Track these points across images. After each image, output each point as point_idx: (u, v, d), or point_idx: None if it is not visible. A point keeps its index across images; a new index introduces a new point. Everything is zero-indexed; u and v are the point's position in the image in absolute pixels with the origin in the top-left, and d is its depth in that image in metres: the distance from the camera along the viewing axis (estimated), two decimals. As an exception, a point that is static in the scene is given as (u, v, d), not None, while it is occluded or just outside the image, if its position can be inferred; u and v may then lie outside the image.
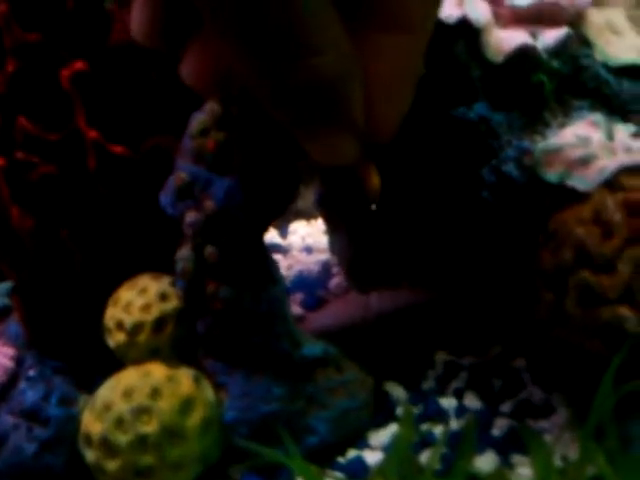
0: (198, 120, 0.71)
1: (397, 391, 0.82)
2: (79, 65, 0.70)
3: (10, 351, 0.73)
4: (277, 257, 1.36)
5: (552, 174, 0.75)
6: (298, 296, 1.13)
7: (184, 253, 0.70)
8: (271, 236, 1.47)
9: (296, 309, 1.10)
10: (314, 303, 1.10)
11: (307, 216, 1.52)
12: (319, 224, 1.42)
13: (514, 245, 0.78)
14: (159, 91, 0.76)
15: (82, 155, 0.72)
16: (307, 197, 1.36)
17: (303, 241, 1.41)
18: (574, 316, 0.65)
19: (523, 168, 0.76)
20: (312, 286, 1.16)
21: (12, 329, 0.75)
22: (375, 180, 0.54)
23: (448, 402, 0.79)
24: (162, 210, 0.72)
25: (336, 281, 1.18)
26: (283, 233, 1.47)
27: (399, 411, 0.77)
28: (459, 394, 0.80)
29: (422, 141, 0.80)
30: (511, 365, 0.83)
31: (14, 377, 0.73)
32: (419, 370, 0.86)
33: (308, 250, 1.38)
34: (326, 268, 1.22)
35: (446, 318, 0.91)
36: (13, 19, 0.69)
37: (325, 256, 1.27)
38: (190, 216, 0.69)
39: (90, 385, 0.75)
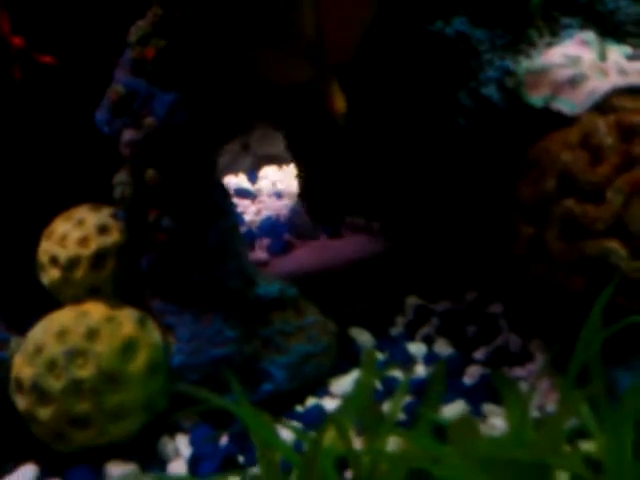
0: (138, 26, 0.62)
1: (363, 337, 0.75)
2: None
3: None
4: (246, 202, 1.29)
5: (537, 97, 0.67)
6: (265, 241, 1.06)
7: (122, 177, 0.63)
8: (240, 181, 1.40)
9: (261, 254, 1.03)
10: (280, 248, 1.03)
11: (279, 162, 1.45)
12: (291, 169, 1.35)
13: (492, 177, 0.71)
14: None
15: (7, 64, 0.63)
16: (279, 143, 1.29)
17: (273, 186, 1.34)
18: (555, 251, 0.59)
19: (505, 90, 0.69)
20: (279, 231, 1.09)
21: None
22: (340, 101, 0.50)
23: (417, 348, 0.72)
24: (99, 131, 0.64)
25: (302, 225, 1.11)
26: (252, 178, 1.40)
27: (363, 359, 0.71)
28: (429, 340, 0.74)
29: (393, 59, 0.72)
30: (487, 311, 0.76)
31: None
32: (388, 316, 0.79)
33: (278, 195, 1.31)
34: (295, 213, 1.15)
35: (419, 261, 0.85)
36: None
37: (294, 201, 1.20)
38: (128, 134, 0.61)
39: (24, 327, 0.67)
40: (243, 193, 1.28)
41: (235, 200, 1.21)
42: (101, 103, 0.63)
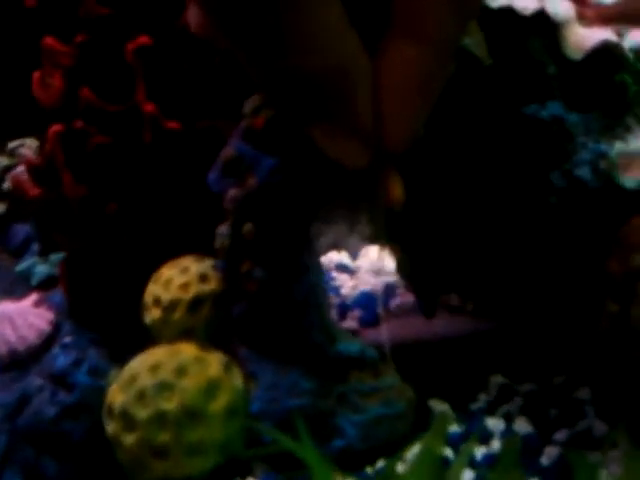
0: (252, 99, 0.71)
1: (442, 408, 0.75)
2: (143, 40, 0.72)
3: (49, 315, 0.74)
4: (344, 277, 1.33)
5: (629, 179, 0.67)
6: (356, 312, 1.09)
7: (223, 229, 0.69)
8: (342, 257, 1.45)
9: (352, 324, 1.05)
10: (371, 320, 1.05)
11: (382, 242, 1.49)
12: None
13: (583, 255, 0.70)
14: (222, 75, 0.77)
15: (139, 129, 0.73)
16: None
17: (372, 264, 1.38)
18: (640, 328, 0.57)
19: (598, 172, 0.70)
20: (372, 304, 1.12)
21: (56, 297, 0.76)
22: (397, 190, 0.50)
23: (495, 424, 0.71)
24: (210, 189, 0.72)
25: (397, 302, 1.13)
26: (354, 255, 1.45)
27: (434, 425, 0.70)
28: (509, 418, 0.72)
29: (488, 140, 0.75)
30: (573, 395, 0.74)
31: (49, 342, 0.73)
32: (471, 391, 0.78)
33: (376, 272, 1.34)
34: (390, 289, 1.18)
35: (507, 342, 0.84)
36: (87, -9, 0.72)
37: (392, 278, 1.22)
38: (232, 192, 0.68)
39: (123, 360, 0.74)
40: (343, 268, 1.32)
41: (334, 274, 1.26)
42: (213, 165, 0.71)
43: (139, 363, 0.70)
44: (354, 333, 0.99)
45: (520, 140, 0.73)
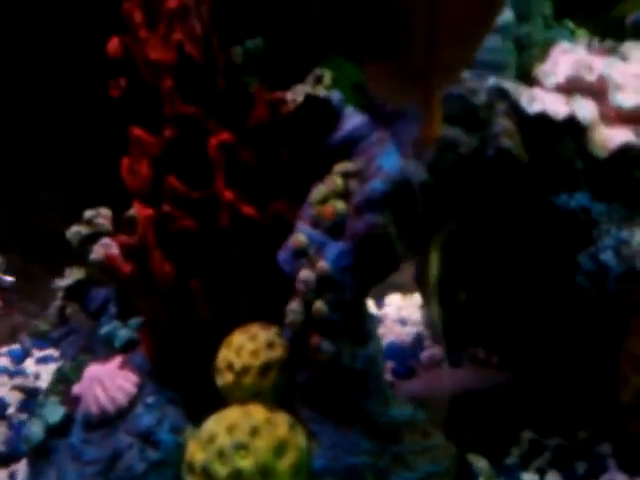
0: (319, 190, 0.80)
1: (481, 463, 0.84)
2: (225, 136, 0.81)
3: (134, 378, 0.83)
4: (372, 325, 1.42)
5: (649, 266, 0.77)
6: (389, 364, 1.18)
7: (295, 306, 0.78)
8: (368, 306, 1.53)
9: (387, 376, 1.14)
10: (404, 372, 1.14)
11: (403, 290, 1.58)
12: (414, 298, 1.48)
13: (605, 331, 0.80)
14: (286, 165, 0.86)
15: (217, 214, 0.82)
16: (405, 272, 1.43)
17: (398, 313, 1.47)
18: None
19: (620, 257, 0.79)
20: (403, 356, 1.20)
21: (137, 359, 0.85)
22: (437, 126, 0.50)
23: (530, 478, 0.80)
24: (277, 267, 0.81)
25: (427, 354, 1.22)
26: (379, 304, 1.54)
27: (481, 481, 0.79)
28: (542, 472, 0.81)
29: (524, 225, 0.85)
30: (596, 450, 0.83)
31: (134, 402, 0.81)
32: (504, 445, 0.87)
33: (402, 322, 1.43)
34: (418, 340, 1.27)
35: (535, 398, 0.93)
36: (176, 92, 0.82)
37: (418, 329, 1.31)
38: (304, 273, 0.77)
39: (197, 418, 0.82)
40: (370, 317, 1.41)
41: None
42: (284, 246, 0.80)
43: (216, 423, 0.79)
44: (390, 386, 1.08)
45: (552, 225, 0.83)
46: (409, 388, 1.06)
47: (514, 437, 0.89)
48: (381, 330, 1.37)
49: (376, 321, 1.36)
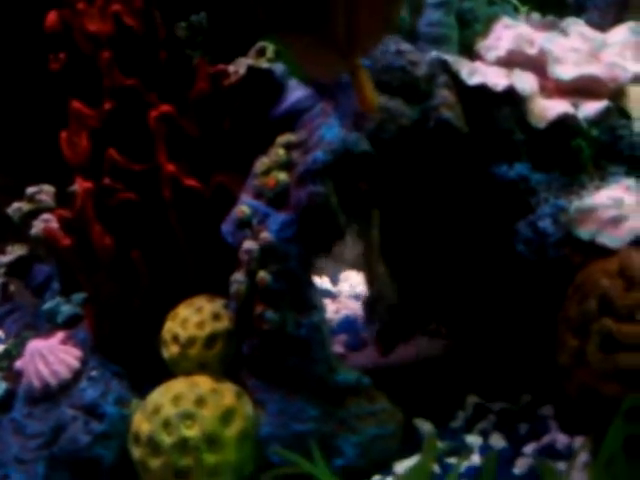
0: (262, 162, 0.81)
1: (426, 426, 0.86)
2: (166, 108, 0.81)
3: (77, 352, 0.82)
4: (326, 302, 1.43)
5: (585, 231, 0.79)
6: (342, 337, 1.19)
7: (239, 277, 0.78)
8: (323, 282, 1.55)
9: (339, 349, 1.15)
10: (356, 344, 1.16)
11: (358, 267, 1.60)
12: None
13: (543, 296, 0.82)
14: (229, 136, 0.86)
15: (159, 186, 0.82)
16: (358, 249, 1.44)
17: (352, 289, 1.48)
18: (595, 361, 0.69)
19: (558, 224, 0.82)
20: (356, 329, 1.22)
21: (80, 335, 0.84)
22: (371, 93, 0.51)
23: (474, 440, 0.82)
24: (221, 238, 0.81)
25: (377, 327, 1.23)
26: (334, 280, 1.55)
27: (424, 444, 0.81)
28: (485, 434, 0.83)
29: (463, 195, 0.87)
30: (539, 412, 0.86)
31: (77, 376, 0.81)
32: (449, 410, 0.90)
33: (356, 297, 1.45)
34: (368, 308, 1.28)
35: (480, 364, 0.95)
36: (115, 64, 0.81)
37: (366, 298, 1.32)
38: (247, 244, 0.78)
39: (142, 390, 0.82)
40: (325, 293, 1.42)
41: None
42: (227, 218, 0.81)
43: (161, 395, 0.79)
44: (341, 358, 1.09)
45: (492, 195, 0.85)
46: (359, 359, 1.08)
47: (460, 402, 0.91)
48: (336, 305, 1.39)
49: (320, 293, 1.37)
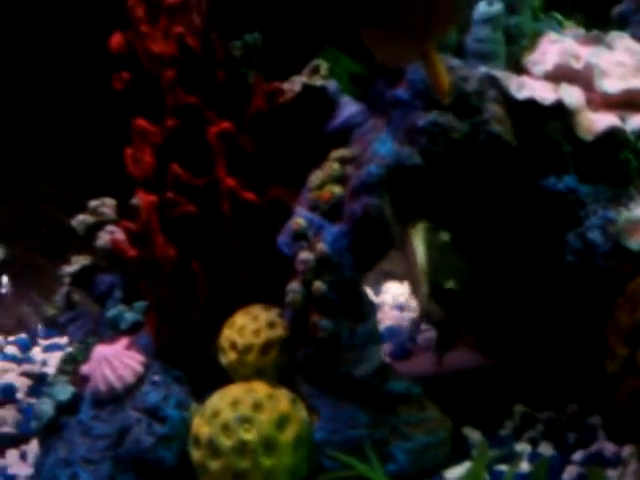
0: (316, 175, 0.84)
1: (475, 435, 0.87)
2: (225, 125, 0.85)
3: (140, 357, 0.86)
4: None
5: (634, 242, 0.81)
6: (387, 347, 1.22)
7: (295, 286, 0.81)
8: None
9: (384, 358, 1.17)
10: (401, 354, 1.18)
11: (400, 278, 1.62)
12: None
13: (594, 306, 0.83)
14: (285, 152, 0.90)
15: (218, 199, 0.86)
16: (400, 261, 1.46)
17: (395, 300, 1.50)
18: (646, 370, 0.70)
19: (607, 236, 0.83)
20: (400, 339, 1.24)
21: (142, 340, 0.88)
22: (444, 78, 0.51)
23: (523, 447, 0.84)
24: (277, 250, 0.84)
25: (423, 337, 1.26)
26: (376, 292, 1.57)
27: (475, 452, 0.83)
28: (534, 442, 0.85)
29: (513, 207, 0.88)
30: (586, 422, 0.87)
31: (141, 380, 0.85)
32: (497, 419, 0.91)
33: (399, 308, 1.47)
34: (415, 324, 1.30)
35: (527, 374, 0.97)
36: (177, 83, 0.85)
37: (415, 314, 1.35)
38: (303, 255, 0.81)
39: (201, 395, 0.86)
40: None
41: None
42: (283, 230, 0.84)
43: (220, 399, 0.82)
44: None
45: (541, 207, 0.87)
46: (405, 369, 1.10)
47: (507, 412, 0.93)
48: (380, 316, 1.40)
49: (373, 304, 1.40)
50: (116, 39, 0.90)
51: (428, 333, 1.22)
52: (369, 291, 1.54)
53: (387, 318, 1.38)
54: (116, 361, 0.85)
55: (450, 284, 1.03)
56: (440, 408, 0.86)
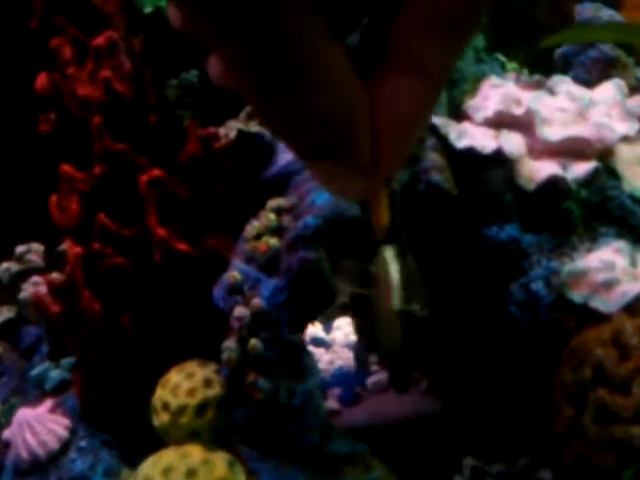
0: (252, 226, 0.80)
1: (423, 493, 0.84)
2: (156, 172, 0.81)
3: (66, 421, 0.80)
4: (320, 351, 1.42)
5: (577, 295, 0.79)
6: (336, 391, 1.18)
7: (230, 344, 0.77)
8: (316, 330, 1.54)
9: (332, 403, 1.14)
10: (350, 399, 1.15)
11: (349, 313, 1.59)
12: (362, 322, 1.48)
13: (538, 357, 0.82)
14: (220, 200, 0.86)
15: (149, 250, 0.82)
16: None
17: (346, 337, 1.47)
18: (591, 432, 0.68)
19: (551, 287, 0.82)
20: (350, 382, 1.21)
21: (69, 402, 0.83)
22: (385, 215, 0.51)
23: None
24: (213, 303, 0.80)
25: (373, 379, 1.23)
26: (327, 328, 1.54)
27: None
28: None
29: (454, 257, 0.87)
30: (537, 476, 0.84)
31: (66, 446, 0.79)
32: (447, 474, 0.88)
33: (350, 346, 1.44)
34: (363, 363, 1.27)
35: (472, 425, 0.94)
36: (105, 129, 0.81)
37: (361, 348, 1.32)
38: (238, 311, 0.77)
39: (133, 460, 0.81)
40: (318, 342, 1.41)
41: (311, 348, 1.34)
42: (218, 283, 0.80)
43: (152, 467, 0.77)
44: (335, 413, 1.08)
45: (483, 256, 0.85)
46: (354, 415, 1.07)
47: (457, 465, 0.90)
48: (330, 355, 1.37)
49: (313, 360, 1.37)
50: (42, 80, 0.86)
51: (378, 375, 1.19)
52: (319, 328, 1.51)
53: (338, 358, 1.34)
54: (39, 426, 0.79)
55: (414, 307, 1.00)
56: (387, 465, 0.83)
